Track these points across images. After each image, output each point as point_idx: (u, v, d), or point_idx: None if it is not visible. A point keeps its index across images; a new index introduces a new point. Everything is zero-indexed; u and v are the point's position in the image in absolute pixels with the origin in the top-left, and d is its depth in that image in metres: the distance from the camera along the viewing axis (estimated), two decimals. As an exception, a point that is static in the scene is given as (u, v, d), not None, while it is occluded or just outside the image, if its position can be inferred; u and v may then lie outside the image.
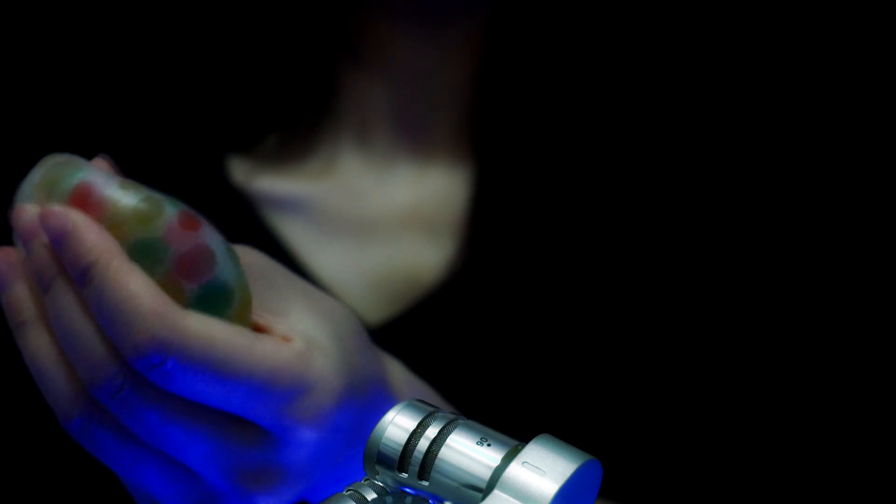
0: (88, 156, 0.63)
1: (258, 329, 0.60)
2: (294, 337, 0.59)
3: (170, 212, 0.59)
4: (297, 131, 0.87)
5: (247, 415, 0.59)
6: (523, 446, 0.49)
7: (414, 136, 0.87)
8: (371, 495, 0.50)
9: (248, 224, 0.86)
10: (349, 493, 0.50)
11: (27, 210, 0.59)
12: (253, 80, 0.87)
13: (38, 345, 0.59)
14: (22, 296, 0.59)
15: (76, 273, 0.57)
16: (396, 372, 0.67)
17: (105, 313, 0.57)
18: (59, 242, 0.57)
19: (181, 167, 0.87)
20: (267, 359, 0.58)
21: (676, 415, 0.83)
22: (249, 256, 0.62)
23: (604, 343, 0.83)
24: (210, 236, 0.59)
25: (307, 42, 0.86)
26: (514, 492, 0.48)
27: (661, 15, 0.88)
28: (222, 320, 0.58)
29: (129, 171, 0.86)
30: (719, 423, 0.83)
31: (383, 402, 0.62)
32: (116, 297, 0.56)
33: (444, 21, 0.86)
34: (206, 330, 0.57)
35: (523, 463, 0.48)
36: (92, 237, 0.57)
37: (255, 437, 0.59)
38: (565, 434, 0.50)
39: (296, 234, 0.86)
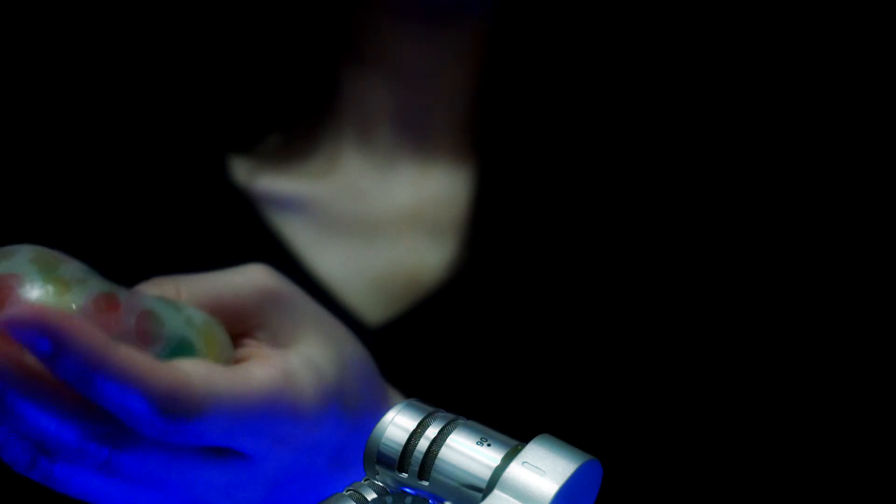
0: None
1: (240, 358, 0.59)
2: (272, 356, 0.58)
3: (80, 302, 0.55)
4: (299, 131, 0.87)
5: (230, 444, 0.57)
6: (523, 446, 0.49)
7: (415, 136, 0.87)
8: (371, 495, 0.50)
9: (250, 224, 0.86)
10: (349, 493, 0.50)
11: None
12: (255, 79, 0.87)
13: None
14: None
15: (64, 367, 0.53)
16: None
17: (116, 399, 0.54)
18: (35, 340, 0.53)
19: (183, 167, 0.87)
20: (261, 389, 0.56)
21: (676, 415, 0.83)
22: (265, 279, 0.61)
23: (604, 343, 0.83)
24: (138, 304, 0.56)
25: (309, 42, 0.87)
26: (514, 492, 0.48)
27: (662, 15, 0.89)
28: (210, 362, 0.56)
29: (132, 171, 0.86)
30: (719, 423, 0.83)
31: None
32: (127, 382, 0.53)
33: (445, 21, 0.86)
34: (211, 382, 0.55)
35: (523, 463, 0.48)
36: (70, 325, 0.53)
37: (228, 457, 0.58)
38: (565, 434, 0.50)
39: (297, 233, 0.86)
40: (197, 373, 0.55)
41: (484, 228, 0.85)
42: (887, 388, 0.85)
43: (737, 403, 0.84)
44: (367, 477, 0.51)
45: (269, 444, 0.58)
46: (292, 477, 0.59)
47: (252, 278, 0.60)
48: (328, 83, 0.87)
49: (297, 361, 0.59)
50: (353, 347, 0.63)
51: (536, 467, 0.48)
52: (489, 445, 0.49)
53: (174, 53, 0.89)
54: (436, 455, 0.50)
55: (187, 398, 0.54)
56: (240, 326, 0.60)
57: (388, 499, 0.50)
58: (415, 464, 0.50)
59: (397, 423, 0.50)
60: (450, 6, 0.86)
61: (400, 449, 0.50)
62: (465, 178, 0.87)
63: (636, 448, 0.82)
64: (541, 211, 0.86)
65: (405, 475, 0.50)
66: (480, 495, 0.49)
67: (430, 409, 0.51)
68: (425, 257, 0.86)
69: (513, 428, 0.51)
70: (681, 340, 0.83)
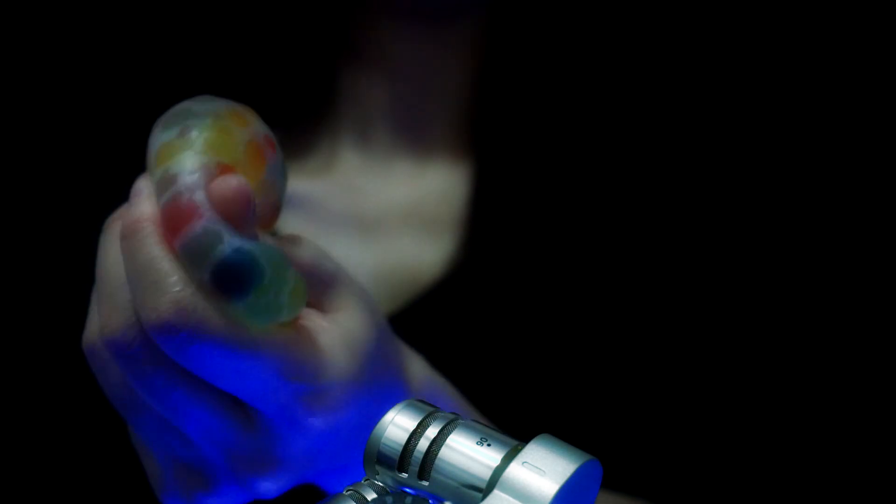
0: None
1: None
2: (328, 324, 0.59)
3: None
4: (297, 129, 0.87)
5: (253, 401, 0.58)
6: (523, 446, 0.49)
7: (413, 134, 0.87)
8: (371, 495, 0.50)
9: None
10: (349, 493, 0.50)
11: None
12: (253, 78, 0.87)
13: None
14: None
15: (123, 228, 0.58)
16: (416, 368, 0.67)
17: (131, 274, 0.57)
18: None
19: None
20: (289, 347, 0.57)
21: (676, 414, 0.83)
22: (313, 251, 0.62)
23: (604, 341, 0.83)
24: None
25: (308, 41, 0.87)
26: (514, 492, 0.48)
27: (660, 14, 0.89)
28: None
29: (131, 168, 0.86)
30: (719, 423, 0.83)
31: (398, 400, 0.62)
32: (143, 260, 0.56)
33: (443, 20, 0.86)
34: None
35: (523, 463, 0.48)
36: (143, 201, 0.58)
37: (256, 422, 0.59)
38: (565, 434, 0.50)
39: (295, 230, 0.86)
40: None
41: (481, 225, 0.85)
42: (887, 388, 0.85)
43: (737, 403, 0.84)
44: (367, 477, 0.51)
45: (290, 403, 0.58)
46: (321, 453, 0.59)
47: (304, 254, 0.61)
48: (326, 81, 0.87)
49: (335, 330, 0.59)
50: (378, 312, 0.64)
51: (536, 467, 0.48)
52: (489, 445, 0.49)
53: (172, 51, 0.89)
54: (436, 455, 0.50)
55: (187, 303, 0.55)
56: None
57: (388, 499, 0.50)
58: (415, 464, 0.50)
59: (397, 423, 0.51)
60: (448, 6, 0.86)
61: (400, 449, 0.50)
62: (462, 175, 0.87)
63: (636, 448, 0.82)
64: (538, 208, 0.86)
65: (405, 475, 0.50)
66: (480, 495, 0.49)
67: (430, 408, 0.51)
68: (423, 255, 0.86)
69: (513, 428, 0.51)
70: (680, 339, 0.83)
